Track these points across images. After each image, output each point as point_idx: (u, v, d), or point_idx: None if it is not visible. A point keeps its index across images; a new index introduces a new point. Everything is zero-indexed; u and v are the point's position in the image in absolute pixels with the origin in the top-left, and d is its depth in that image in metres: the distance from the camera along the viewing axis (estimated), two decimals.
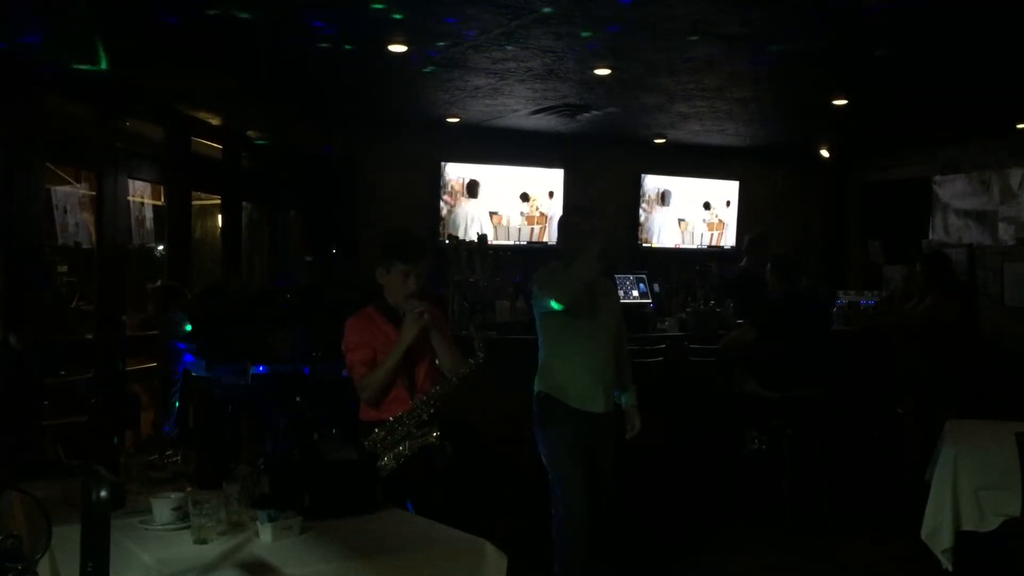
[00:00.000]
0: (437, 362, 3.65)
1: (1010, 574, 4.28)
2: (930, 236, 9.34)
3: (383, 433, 3.48)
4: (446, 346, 3.63)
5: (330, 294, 6.44)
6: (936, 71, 6.16)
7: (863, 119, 7.82)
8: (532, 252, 8.31)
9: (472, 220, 8.39)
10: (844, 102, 7.03)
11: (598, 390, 4.06)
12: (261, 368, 5.23)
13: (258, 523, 2.64)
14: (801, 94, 6.96)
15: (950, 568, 4.17)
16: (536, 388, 4.16)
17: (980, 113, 7.60)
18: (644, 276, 7.66)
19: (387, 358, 3.55)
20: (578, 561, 4.00)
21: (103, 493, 1.83)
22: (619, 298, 4.69)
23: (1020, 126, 8.05)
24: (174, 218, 6.70)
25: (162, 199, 7.53)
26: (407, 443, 3.47)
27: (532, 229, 8.66)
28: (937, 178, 9.30)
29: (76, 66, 5.13)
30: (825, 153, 9.34)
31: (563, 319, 4.05)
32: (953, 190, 9.19)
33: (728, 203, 9.66)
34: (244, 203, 7.53)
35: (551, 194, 8.67)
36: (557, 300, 4.01)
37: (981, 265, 8.83)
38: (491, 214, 8.50)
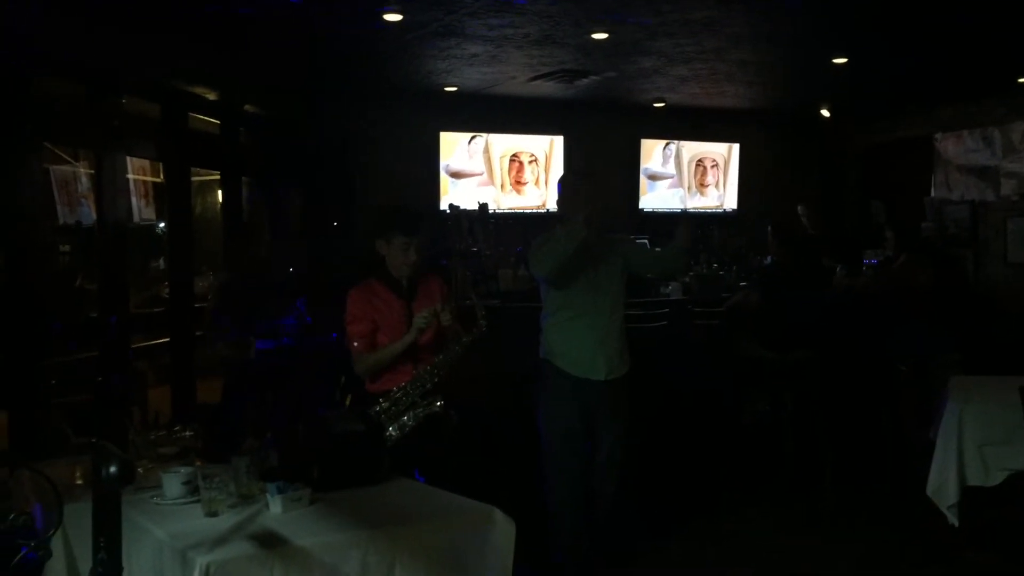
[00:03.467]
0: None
1: (1015, 527, 4.32)
2: (932, 194, 9.31)
3: (387, 404, 3.50)
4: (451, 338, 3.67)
5: (331, 267, 6.45)
6: (936, 27, 6.11)
7: (863, 78, 7.77)
8: (534, 220, 8.30)
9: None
10: (844, 61, 6.98)
11: (599, 357, 4.00)
12: (268, 344, 5.25)
13: (268, 496, 2.66)
14: (801, 54, 6.90)
15: (956, 523, 4.20)
16: (540, 355, 4.13)
17: (981, 69, 7.54)
18: (646, 241, 7.66)
19: (389, 346, 3.58)
20: (567, 540, 4.02)
21: (113, 469, 1.85)
22: (623, 246, 4.39)
23: (1021, 80, 7.99)
24: (174, 195, 6.68)
25: (161, 176, 7.52)
26: (411, 413, 3.50)
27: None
28: (938, 135, 9.26)
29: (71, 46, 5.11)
30: (826, 113, 9.29)
31: (562, 284, 4.00)
32: (955, 147, 9.14)
33: (728, 166, 9.63)
34: (244, 178, 7.51)
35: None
36: (538, 272, 3.99)
37: (984, 222, 8.81)
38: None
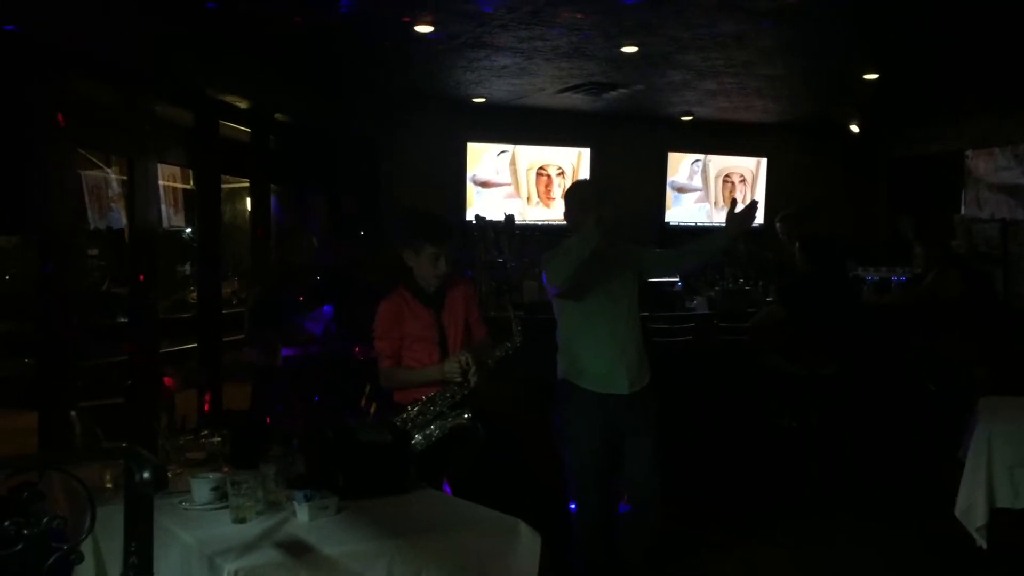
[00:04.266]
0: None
1: None
2: (962, 211, 9.23)
3: (415, 412, 3.49)
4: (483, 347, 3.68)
5: (358, 274, 6.47)
6: (967, 44, 6.07)
7: (893, 93, 7.73)
8: (560, 232, 8.30)
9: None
10: (875, 76, 6.94)
11: (619, 368, 3.86)
12: (294, 350, 5.29)
13: (295, 503, 2.67)
14: (830, 68, 6.88)
15: (984, 546, 4.15)
16: (559, 375, 4.01)
17: (1013, 85, 7.48)
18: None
19: (417, 371, 3.61)
20: (592, 557, 3.95)
21: (146, 474, 1.86)
22: (634, 252, 4.16)
23: None
24: (204, 201, 6.73)
25: (191, 182, 7.59)
26: (438, 423, 3.49)
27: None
28: (969, 152, 9.18)
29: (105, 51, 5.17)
30: (855, 128, 9.24)
31: (577, 295, 3.88)
32: (985, 164, 9.06)
33: (756, 181, 9.60)
34: (272, 185, 7.57)
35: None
36: (555, 280, 3.85)
37: (1014, 240, 8.72)
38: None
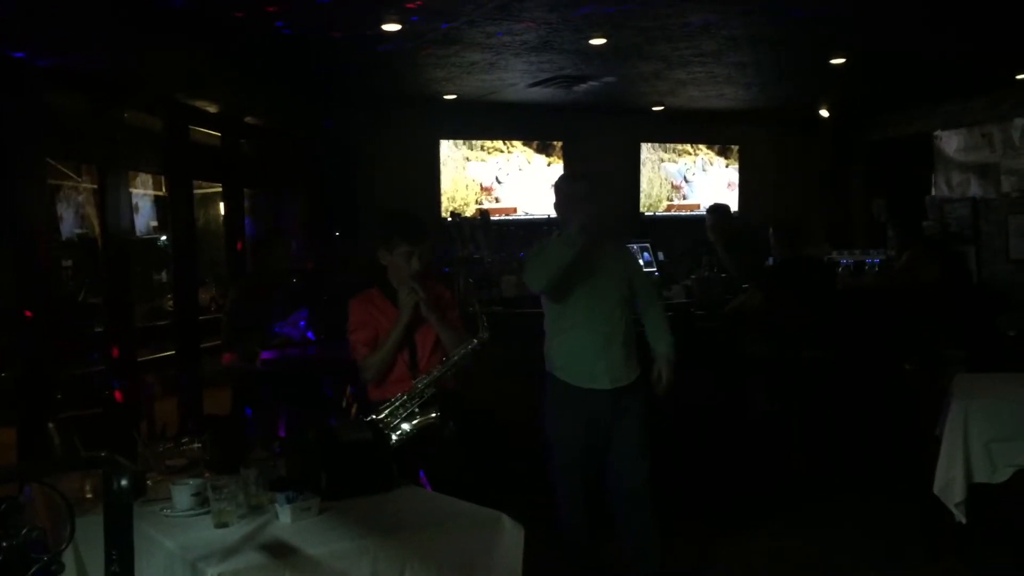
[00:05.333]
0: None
1: (1023, 524, 4.32)
2: (933, 192, 9.32)
3: (386, 413, 3.47)
4: (445, 329, 3.61)
5: (334, 276, 6.46)
6: (934, 25, 6.12)
7: (862, 77, 7.78)
8: (536, 226, 8.31)
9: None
10: (842, 61, 6.99)
11: (600, 366, 3.85)
12: (271, 353, 5.27)
13: (277, 505, 2.67)
14: (799, 55, 6.92)
15: (964, 521, 4.19)
16: (545, 368, 4.01)
17: (980, 66, 7.55)
18: (648, 245, 7.68)
19: (387, 338, 3.57)
20: (577, 552, 3.96)
21: (124, 482, 1.86)
22: (630, 261, 4.22)
23: (1020, 77, 8.00)
24: (176, 208, 6.70)
25: (163, 189, 7.55)
26: (406, 425, 3.47)
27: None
28: (938, 133, 9.26)
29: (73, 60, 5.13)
30: (825, 113, 9.30)
31: (560, 296, 3.88)
32: (955, 145, 9.15)
33: (728, 168, 9.66)
34: (245, 189, 7.53)
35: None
36: (534, 286, 3.84)
37: (985, 219, 8.82)
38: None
